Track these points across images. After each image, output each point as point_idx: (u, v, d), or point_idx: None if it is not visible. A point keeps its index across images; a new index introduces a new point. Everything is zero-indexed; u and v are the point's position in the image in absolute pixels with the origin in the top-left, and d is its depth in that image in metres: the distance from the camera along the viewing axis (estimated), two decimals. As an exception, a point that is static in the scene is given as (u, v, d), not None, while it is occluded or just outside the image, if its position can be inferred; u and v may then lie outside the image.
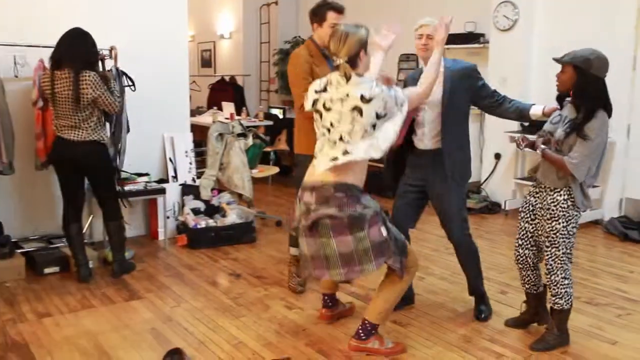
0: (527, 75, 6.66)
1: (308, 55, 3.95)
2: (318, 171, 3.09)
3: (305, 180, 3.19)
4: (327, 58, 4.00)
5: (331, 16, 3.88)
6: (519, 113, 3.59)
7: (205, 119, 7.74)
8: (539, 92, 6.62)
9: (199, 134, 6.70)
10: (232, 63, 10.75)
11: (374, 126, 2.97)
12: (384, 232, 3.07)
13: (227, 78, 10.11)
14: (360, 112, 2.93)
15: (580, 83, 3.12)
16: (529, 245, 3.45)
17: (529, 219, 3.43)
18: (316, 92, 3.12)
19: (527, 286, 3.55)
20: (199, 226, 5.19)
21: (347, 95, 2.96)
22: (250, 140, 5.68)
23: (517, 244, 3.52)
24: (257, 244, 5.32)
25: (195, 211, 5.35)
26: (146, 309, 3.86)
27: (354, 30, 3.01)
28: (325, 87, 3.09)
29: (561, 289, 3.28)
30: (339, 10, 3.91)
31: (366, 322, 3.28)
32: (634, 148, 5.94)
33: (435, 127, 3.60)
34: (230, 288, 4.27)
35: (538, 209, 3.35)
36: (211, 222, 5.28)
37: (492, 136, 6.93)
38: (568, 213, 3.22)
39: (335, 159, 3.00)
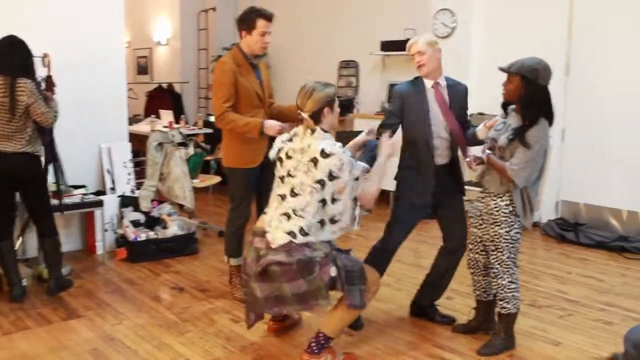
0: (465, 81, 6.72)
1: (234, 64, 3.87)
2: (271, 231, 3.11)
3: (257, 226, 3.22)
4: (254, 67, 3.94)
5: (261, 24, 3.81)
6: (472, 138, 3.63)
7: (142, 127, 7.54)
8: (477, 97, 6.73)
9: (137, 143, 6.51)
10: (169, 70, 10.54)
11: (323, 201, 3.05)
12: (334, 272, 3.07)
13: (164, 85, 9.91)
14: (316, 164, 3.00)
15: (527, 93, 3.16)
16: (479, 250, 3.50)
17: (477, 224, 3.47)
18: (282, 142, 3.23)
19: (477, 292, 3.59)
20: (139, 239, 5.03)
21: (309, 146, 3.05)
22: (191, 150, 5.55)
23: (468, 249, 3.57)
24: (199, 256, 5.20)
25: (135, 223, 5.19)
26: (86, 328, 3.70)
27: (320, 87, 3.12)
28: (291, 138, 3.19)
29: (508, 293, 3.32)
30: (269, 17, 3.83)
31: (320, 335, 3.19)
32: (568, 152, 6.12)
33: (446, 144, 3.64)
34: (174, 303, 4.14)
35: (484, 214, 3.39)
36: (152, 235, 5.13)
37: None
38: (510, 218, 3.27)
39: (291, 233, 3.05)
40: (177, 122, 7.76)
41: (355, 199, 3.13)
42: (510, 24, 6.43)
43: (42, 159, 4.18)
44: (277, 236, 3.07)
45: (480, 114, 6.46)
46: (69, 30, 5.04)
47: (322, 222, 3.09)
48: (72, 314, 3.91)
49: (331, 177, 3.01)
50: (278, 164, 3.23)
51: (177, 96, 9.85)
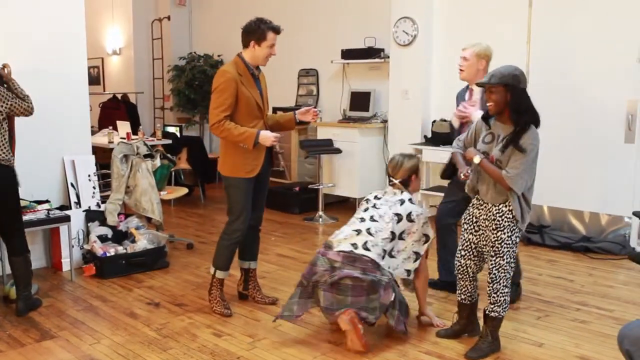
0: (427, 88, 6.87)
1: (236, 73, 3.84)
2: (338, 243, 3.67)
3: (332, 240, 3.69)
4: (255, 78, 3.92)
5: (271, 36, 3.84)
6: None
7: (99, 139, 7.33)
8: (439, 103, 6.85)
9: (95, 155, 6.32)
10: (123, 80, 10.33)
11: (393, 235, 3.66)
12: (392, 297, 3.50)
13: (119, 96, 9.69)
14: (399, 220, 3.66)
15: (514, 99, 3.20)
16: (472, 256, 3.52)
17: (473, 230, 3.48)
18: (376, 197, 3.83)
19: (462, 296, 3.62)
20: (107, 254, 4.88)
21: (401, 202, 3.71)
22: (158, 161, 5.43)
23: (459, 255, 3.57)
24: (170, 269, 5.08)
25: (102, 238, 5.03)
26: (62, 349, 3.55)
27: (407, 160, 3.84)
28: (382, 195, 3.82)
29: (501, 297, 3.36)
30: (278, 31, 3.88)
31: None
32: (530, 156, 6.25)
33: None
34: (151, 318, 4.03)
35: (482, 220, 3.41)
36: (120, 249, 4.98)
37: (396, 148, 7.06)
38: (512, 223, 3.31)
39: (354, 245, 3.61)
40: (134, 133, 7.59)
41: (417, 255, 3.72)
42: (470, 31, 6.52)
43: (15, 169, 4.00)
44: (342, 246, 3.60)
45: (443, 120, 6.55)
46: (29, 40, 4.86)
47: (384, 252, 3.63)
48: (46, 335, 3.75)
49: (409, 217, 3.68)
50: (364, 203, 3.86)
51: (133, 107, 9.64)
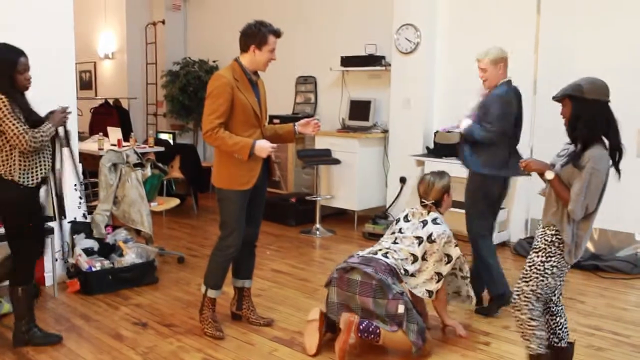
0: (430, 97, 6.64)
1: (233, 78, 3.59)
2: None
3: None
4: (253, 84, 3.68)
5: (272, 40, 3.62)
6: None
7: (89, 145, 7.08)
8: (441, 113, 6.62)
9: (84, 162, 6.06)
10: (115, 85, 10.06)
11: (414, 257, 3.65)
12: (401, 310, 3.37)
13: (111, 101, 9.43)
14: (420, 242, 3.66)
15: (575, 112, 2.90)
16: None
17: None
18: (406, 218, 3.84)
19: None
20: (93, 268, 4.60)
21: (424, 223, 3.72)
22: (148, 171, 5.17)
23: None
24: (160, 286, 4.81)
25: (88, 251, 4.76)
26: (39, 375, 3.29)
27: (438, 179, 3.82)
28: (411, 217, 3.84)
29: (528, 330, 3.01)
30: (278, 34, 3.67)
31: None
32: (537, 169, 6.02)
33: None
34: (138, 341, 3.75)
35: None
36: (107, 264, 4.71)
37: (396, 160, 6.84)
38: (550, 248, 2.96)
39: (374, 252, 3.67)
40: (126, 140, 7.33)
41: (439, 276, 3.67)
42: (476, 39, 6.31)
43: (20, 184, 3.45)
44: (361, 253, 3.71)
45: (447, 131, 6.32)
46: (16, 42, 4.59)
47: (405, 272, 3.59)
48: (22, 358, 3.48)
49: (429, 238, 3.64)
50: (393, 225, 3.88)
51: (125, 113, 9.38)
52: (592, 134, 2.86)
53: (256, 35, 3.59)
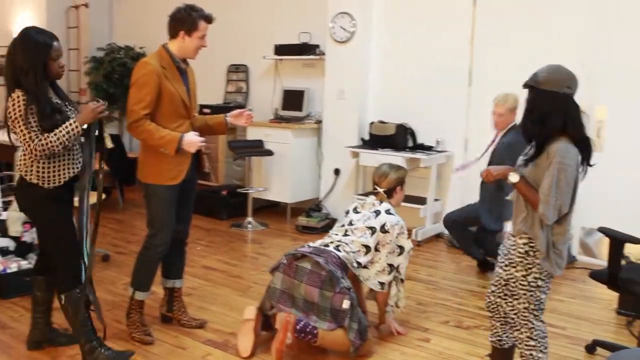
0: (365, 87, 6.54)
1: (159, 65, 3.36)
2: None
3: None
4: (182, 73, 3.46)
5: (202, 26, 3.40)
6: None
7: (3, 136, 6.62)
8: (377, 104, 6.55)
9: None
10: (34, 71, 9.48)
11: (367, 248, 3.58)
12: (346, 305, 3.28)
13: (29, 88, 8.88)
14: (373, 232, 3.59)
15: (536, 104, 2.70)
16: (502, 294, 2.94)
17: (503, 264, 2.90)
18: (355, 210, 3.76)
19: (492, 338, 3.12)
20: (8, 270, 4.26)
21: (376, 213, 3.65)
22: (69, 163, 4.83)
23: (489, 290, 3.03)
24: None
25: (3, 251, 4.41)
26: (-55, 392, 2.98)
27: (395, 170, 3.82)
28: (361, 209, 3.77)
29: (526, 350, 2.84)
30: (210, 19, 3.44)
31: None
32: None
33: None
34: (60, 349, 3.46)
35: (507, 253, 2.88)
36: (24, 264, 4.37)
37: (330, 151, 6.72)
38: (526, 260, 2.74)
39: (325, 244, 3.59)
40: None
41: (391, 267, 3.63)
42: (412, 29, 6.27)
43: (44, 185, 3.09)
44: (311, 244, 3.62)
45: (381, 122, 6.25)
46: None
47: (358, 264, 3.54)
48: None
49: (383, 229, 3.58)
50: (343, 217, 3.81)
51: (45, 100, 8.86)
52: (544, 129, 2.66)
53: (186, 20, 3.37)
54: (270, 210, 7.10)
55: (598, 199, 5.04)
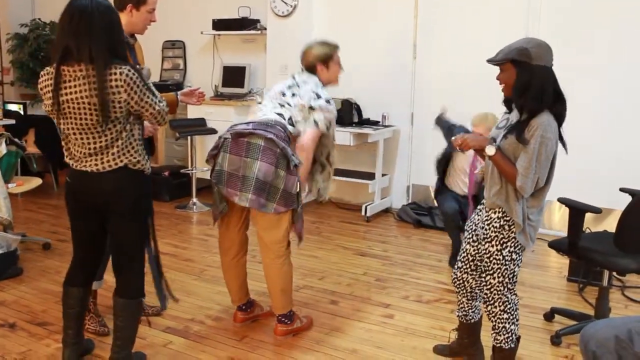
0: (308, 63, 6.41)
1: None
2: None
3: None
4: (130, 49, 3.26)
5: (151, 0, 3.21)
6: None
7: None
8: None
9: None
10: (-51, 50, 8.87)
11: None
12: (295, 189, 3.14)
13: (-56, 68, 8.31)
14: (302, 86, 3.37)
15: (520, 78, 2.63)
16: (469, 270, 2.97)
17: (471, 239, 2.93)
18: (282, 94, 3.41)
19: (459, 313, 3.11)
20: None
21: (305, 81, 3.38)
22: (3, 148, 4.54)
23: (456, 266, 3.04)
24: (25, 278, 4.26)
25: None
26: None
27: (319, 45, 3.47)
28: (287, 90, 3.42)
29: (499, 323, 2.83)
30: None
31: (280, 316, 3.34)
32: (417, 136, 6.06)
33: None
34: (7, 346, 3.26)
35: (478, 228, 2.87)
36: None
37: (275, 128, 6.59)
38: (502, 234, 2.73)
39: (281, 115, 3.24)
40: (-31, 112, 6.47)
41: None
42: (355, 2, 6.18)
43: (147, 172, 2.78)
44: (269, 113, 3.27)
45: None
46: None
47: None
48: None
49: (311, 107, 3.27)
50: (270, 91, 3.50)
51: (-37, 81, 8.32)
52: (541, 104, 2.61)
53: None
54: (214, 190, 6.92)
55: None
